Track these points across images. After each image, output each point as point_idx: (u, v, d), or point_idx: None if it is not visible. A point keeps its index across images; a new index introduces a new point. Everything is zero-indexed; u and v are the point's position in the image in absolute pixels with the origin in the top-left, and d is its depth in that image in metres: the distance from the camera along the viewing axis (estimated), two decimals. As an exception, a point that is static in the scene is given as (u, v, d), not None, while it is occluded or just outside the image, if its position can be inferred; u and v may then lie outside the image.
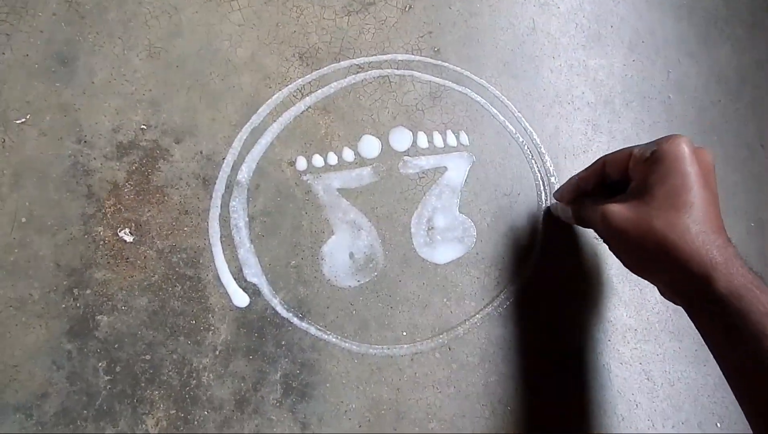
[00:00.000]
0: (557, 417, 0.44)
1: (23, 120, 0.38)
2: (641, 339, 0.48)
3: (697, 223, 0.29)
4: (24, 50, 0.39)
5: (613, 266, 0.49)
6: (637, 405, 0.47)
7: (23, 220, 0.37)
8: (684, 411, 0.48)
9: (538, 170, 0.48)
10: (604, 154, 0.38)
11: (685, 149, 0.30)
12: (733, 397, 0.32)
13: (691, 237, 0.29)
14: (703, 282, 0.29)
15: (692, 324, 0.33)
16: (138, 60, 0.41)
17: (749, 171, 0.56)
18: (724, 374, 0.33)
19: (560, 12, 0.53)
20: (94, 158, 0.39)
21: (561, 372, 0.45)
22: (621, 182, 0.36)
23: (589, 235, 0.48)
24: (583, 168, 0.41)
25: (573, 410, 0.45)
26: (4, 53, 0.39)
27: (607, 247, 0.37)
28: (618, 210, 0.32)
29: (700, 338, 0.33)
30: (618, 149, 0.37)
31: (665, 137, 0.32)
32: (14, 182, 0.37)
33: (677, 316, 0.49)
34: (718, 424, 0.48)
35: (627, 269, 0.36)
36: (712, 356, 0.33)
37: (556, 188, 0.46)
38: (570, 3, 0.54)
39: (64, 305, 0.37)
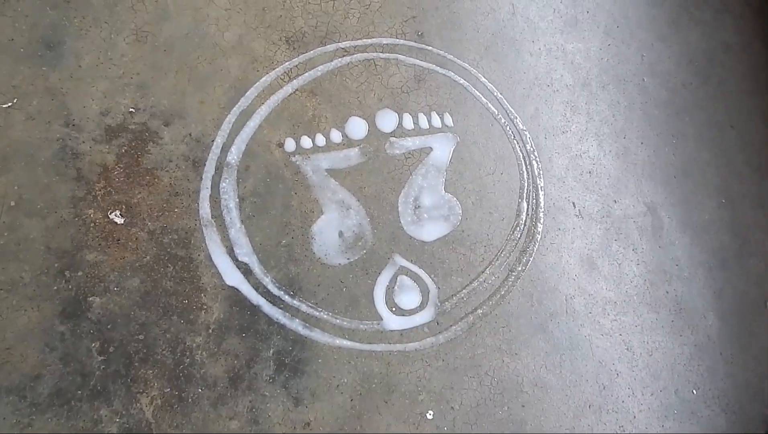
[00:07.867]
0: (542, 386, 0.46)
1: (10, 104, 0.38)
2: (621, 311, 0.50)
3: None
4: (9, 34, 0.39)
5: (593, 242, 0.50)
6: (617, 374, 0.48)
7: (12, 204, 0.37)
8: (662, 379, 0.50)
9: (520, 150, 0.50)
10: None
11: None
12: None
13: None
14: None
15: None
16: (125, 44, 0.41)
17: (719, 149, 0.58)
18: None
19: (539, -2, 0.55)
20: (83, 142, 0.39)
21: (544, 343, 0.47)
22: None
23: (571, 214, 0.50)
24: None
25: (556, 379, 0.46)
26: (-12, 37, 0.39)
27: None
28: None
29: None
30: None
31: None
32: (2, 166, 0.37)
33: (654, 288, 0.51)
34: (694, 391, 0.50)
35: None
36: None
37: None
38: (548, -11, 0.55)
39: (55, 288, 0.37)
